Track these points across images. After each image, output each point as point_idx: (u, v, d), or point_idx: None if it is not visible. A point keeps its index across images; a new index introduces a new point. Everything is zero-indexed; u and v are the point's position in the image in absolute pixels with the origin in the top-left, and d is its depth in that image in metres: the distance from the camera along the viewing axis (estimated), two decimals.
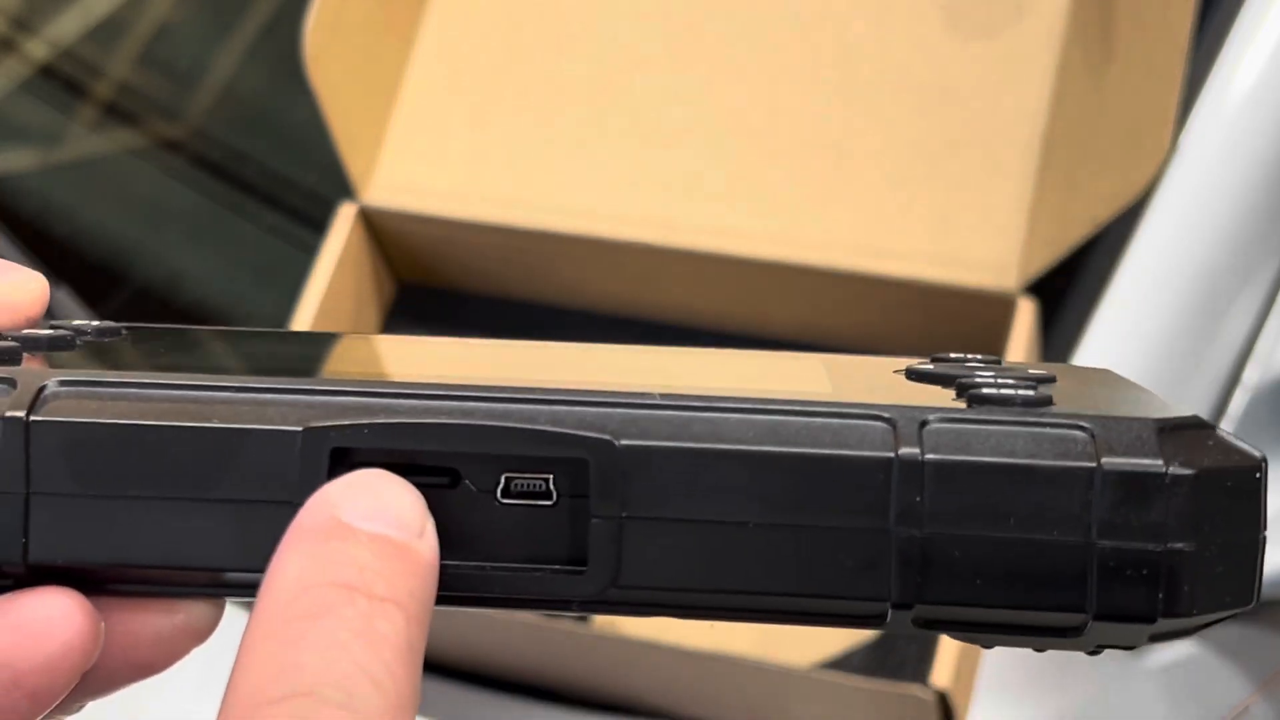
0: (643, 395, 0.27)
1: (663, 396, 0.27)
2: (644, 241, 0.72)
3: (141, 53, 0.95)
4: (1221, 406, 0.68)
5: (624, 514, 0.26)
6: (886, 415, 0.26)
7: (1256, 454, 0.27)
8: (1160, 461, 0.26)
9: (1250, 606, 0.27)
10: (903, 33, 0.74)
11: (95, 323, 0.33)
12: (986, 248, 0.70)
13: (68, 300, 0.82)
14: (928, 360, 0.31)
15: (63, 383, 0.27)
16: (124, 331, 0.33)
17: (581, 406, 0.27)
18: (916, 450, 0.26)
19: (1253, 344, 0.69)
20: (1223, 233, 0.69)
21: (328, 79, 0.71)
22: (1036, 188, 0.70)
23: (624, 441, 0.26)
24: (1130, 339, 0.68)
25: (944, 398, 0.28)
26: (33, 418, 0.27)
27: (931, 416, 0.26)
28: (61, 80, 0.94)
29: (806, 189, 0.72)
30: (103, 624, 0.27)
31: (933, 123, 0.72)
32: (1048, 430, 0.26)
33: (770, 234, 0.71)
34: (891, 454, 0.26)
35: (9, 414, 0.27)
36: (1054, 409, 0.26)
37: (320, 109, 0.71)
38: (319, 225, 0.76)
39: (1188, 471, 0.26)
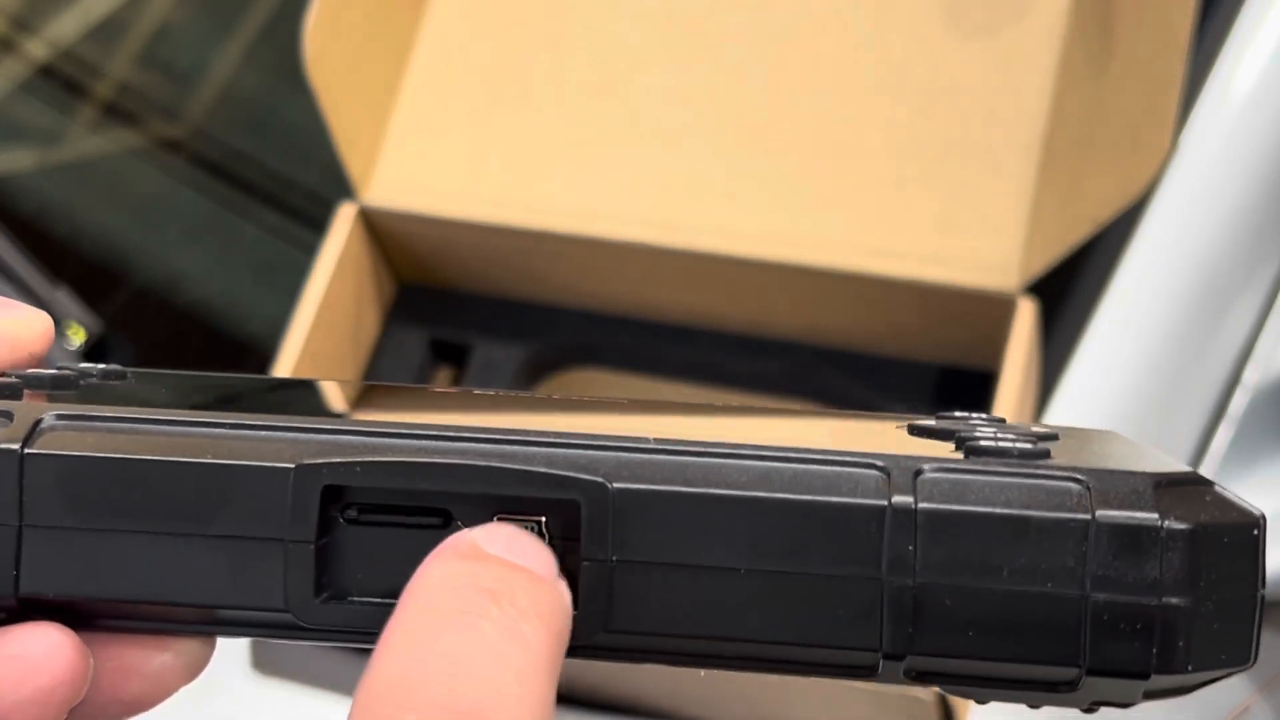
0: (637, 439, 0.27)
1: (657, 441, 0.27)
2: (644, 241, 0.72)
3: (141, 53, 0.95)
4: (1221, 406, 0.68)
5: (615, 558, 0.26)
6: (880, 464, 0.26)
7: (1256, 511, 0.26)
8: (1155, 515, 0.25)
9: (1249, 665, 0.26)
10: (903, 33, 0.74)
11: (101, 365, 0.33)
12: (986, 248, 0.70)
13: (68, 300, 0.82)
14: (933, 418, 0.31)
15: (59, 416, 0.27)
16: (129, 375, 0.33)
17: (575, 449, 0.27)
18: (910, 499, 0.26)
19: (1253, 344, 0.69)
20: (1223, 233, 0.69)
21: (328, 79, 0.71)
22: (1036, 188, 0.70)
23: (617, 484, 0.26)
24: (1130, 339, 0.68)
25: (942, 450, 0.27)
26: (27, 450, 0.27)
27: (926, 466, 0.26)
28: (61, 80, 0.94)
29: (806, 189, 0.72)
30: (91, 660, 0.27)
31: (933, 123, 0.72)
32: (1042, 482, 0.26)
33: (770, 234, 0.71)
34: (884, 502, 0.26)
35: (3, 446, 0.27)
36: (1049, 461, 0.26)
37: (320, 109, 0.71)
38: (319, 225, 0.76)
39: (1184, 526, 0.25)
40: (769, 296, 0.73)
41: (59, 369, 0.31)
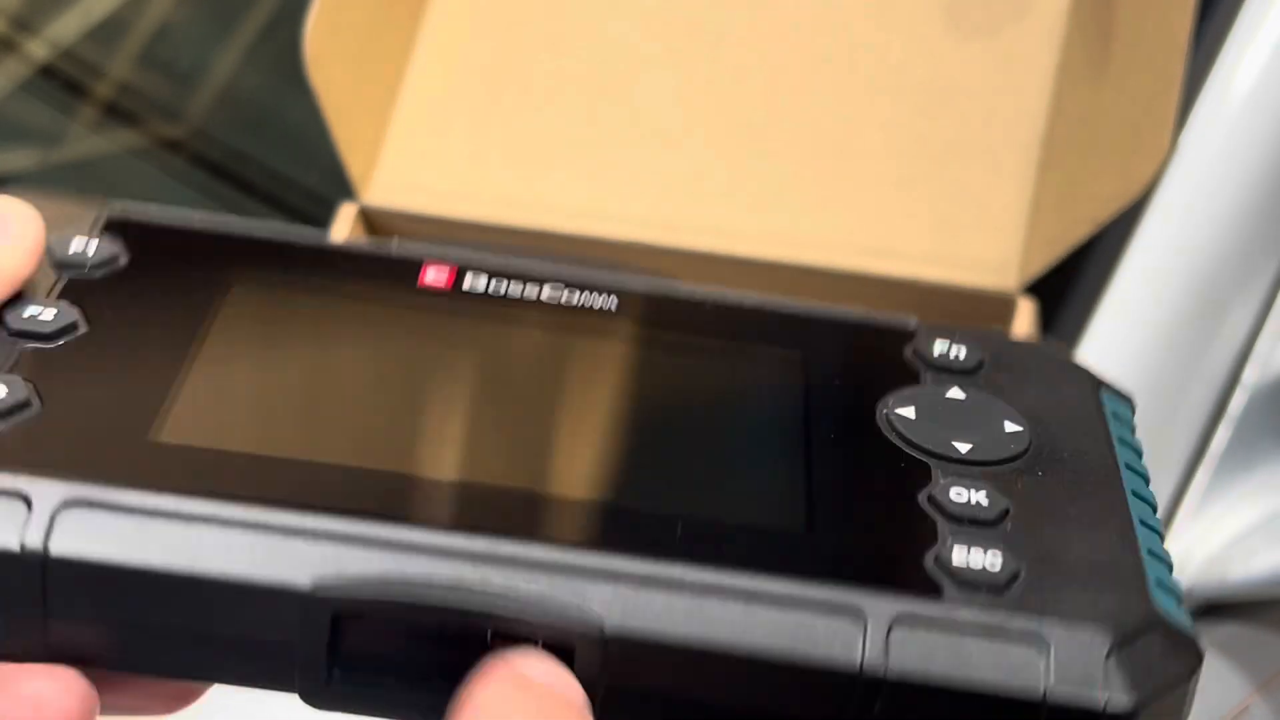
0: (630, 572, 0.28)
1: (644, 578, 0.29)
2: (644, 241, 0.72)
3: (141, 53, 0.95)
4: (1221, 406, 0.68)
5: (606, 684, 0.28)
6: (859, 609, 0.28)
7: (1200, 653, 0.29)
8: (1102, 697, 0.28)
9: None
10: (903, 33, 0.74)
11: (91, 254, 0.33)
12: (986, 248, 0.70)
13: None
14: (911, 349, 0.35)
15: (69, 504, 0.28)
16: (123, 261, 0.34)
17: (573, 580, 0.28)
18: (881, 662, 0.28)
19: (1253, 344, 0.69)
20: (1223, 233, 0.69)
21: (328, 79, 0.71)
22: (1036, 188, 0.70)
23: (611, 625, 0.28)
24: (1130, 339, 0.68)
25: (913, 587, 0.29)
26: (52, 554, 0.28)
27: (899, 615, 0.28)
28: (61, 80, 0.94)
29: (806, 189, 0.72)
30: (98, 702, 0.29)
31: (933, 123, 0.72)
32: (1004, 645, 0.28)
33: (770, 234, 0.71)
34: (857, 664, 0.28)
35: (28, 545, 0.28)
36: (1019, 615, 0.28)
37: (320, 109, 0.71)
38: (319, 225, 0.76)
39: (1124, 709, 0.28)
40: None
41: (41, 307, 0.32)
